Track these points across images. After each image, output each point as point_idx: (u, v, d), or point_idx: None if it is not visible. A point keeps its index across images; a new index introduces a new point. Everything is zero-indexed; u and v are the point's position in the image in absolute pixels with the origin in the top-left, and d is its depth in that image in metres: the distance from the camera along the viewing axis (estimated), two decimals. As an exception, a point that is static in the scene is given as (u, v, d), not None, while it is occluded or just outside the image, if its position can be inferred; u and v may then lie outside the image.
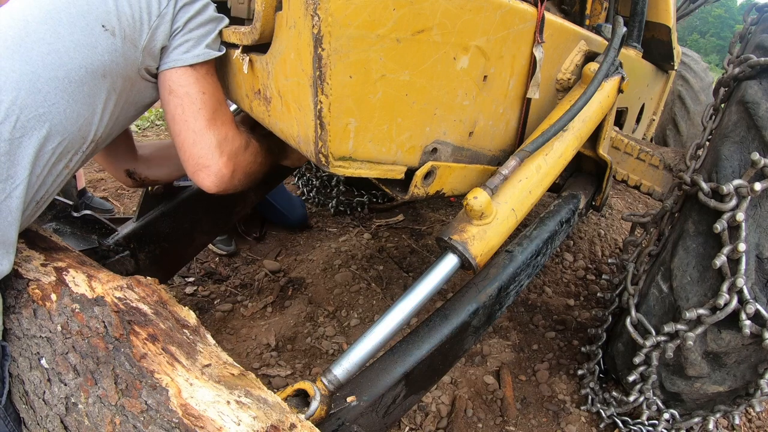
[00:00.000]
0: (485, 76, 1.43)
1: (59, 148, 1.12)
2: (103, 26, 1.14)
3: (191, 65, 1.29)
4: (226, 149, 1.35)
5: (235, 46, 1.39)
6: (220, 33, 1.37)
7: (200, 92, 1.29)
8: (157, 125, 5.50)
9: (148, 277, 1.17)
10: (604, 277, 2.34)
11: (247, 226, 3.46)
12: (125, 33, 1.17)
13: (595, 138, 1.82)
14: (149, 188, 2.03)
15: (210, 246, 3.20)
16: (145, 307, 1.07)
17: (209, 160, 1.33)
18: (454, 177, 1.53)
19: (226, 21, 1.39)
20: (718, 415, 1.90)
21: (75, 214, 1.88)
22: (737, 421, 1.86)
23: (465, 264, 1.30)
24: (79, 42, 1.11)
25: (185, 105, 1.29)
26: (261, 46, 1.27)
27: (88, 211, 1.91)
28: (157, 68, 1.29)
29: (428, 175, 1.43)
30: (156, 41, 1.22)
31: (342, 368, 1.11)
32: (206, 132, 1.30)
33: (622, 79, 1.72)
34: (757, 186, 1.48)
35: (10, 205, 1.07)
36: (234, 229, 3.35)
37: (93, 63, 1.13)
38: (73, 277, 1.12)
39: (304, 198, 4.01)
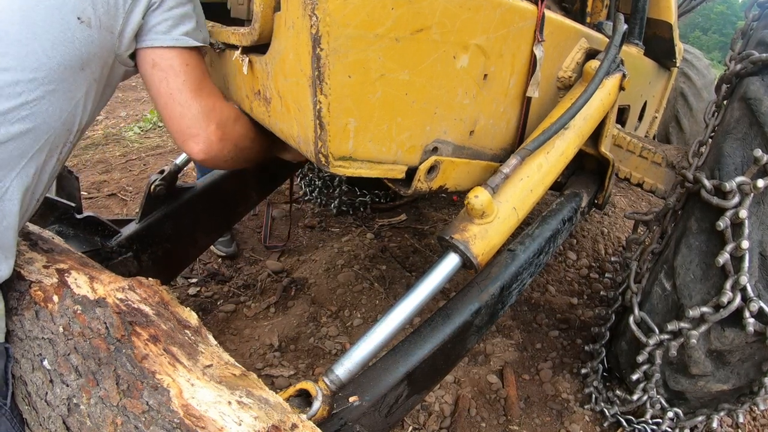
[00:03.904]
0: (485, 75, 1.43)
1: (47, 146, 1.12)
2: (78, 18, 1.11)
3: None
4: (214, 118, 1.34)
5: (234, 47, 1.39)
6: (202, 23, 1.36)
7: (184, 64, 1.28)
8: (159, 127, 5.51)
9: (150, 278, 1.18)
10: (607, 275, 2.34)
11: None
12: (101, 21, 1.14)
13: (596, 136, 1.82)
14: (151, 189, 2.03)
15: (211, 247, 3.20)
16: (146, 308, 1.07)
17: (197, 129, 1.33)
18: (458, 172, 1.53)
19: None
20: (721, 414, 1.89)
21: (78, 216, 1.88)
22: (741, 420, 1.86)
23: (466, 263, 1.30)
24: (56, 39, 1.08)
25: (170, 78, 1.28)
26: (260, 47, 1.27)
27: (90, 213, 1.92)
28: (135, 47, 1.27)
29: (431, 169, 1.43)
30: (131, 24, 1.20)
31: (344, 368, 1.11)
32: (192, 103, 1.30)
33: (624, 76, 1.72)
34: (760, 183, 1.47)
35: (4, 208, 1.06)
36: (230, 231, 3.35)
37: (71, 58, 1.11)
38: (75, 279, 1.12)
39: (306, 198, 4.01)
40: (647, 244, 2.05)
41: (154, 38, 1.25)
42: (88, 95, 1.19)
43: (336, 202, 3.83)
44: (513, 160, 1.37)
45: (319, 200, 3.95)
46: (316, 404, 1.02)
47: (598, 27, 2.01)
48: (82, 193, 3.71)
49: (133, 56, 1.28)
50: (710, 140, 1.84)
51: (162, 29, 1.24)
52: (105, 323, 1.00)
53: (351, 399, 1.15)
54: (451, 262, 1.29)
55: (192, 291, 2.87)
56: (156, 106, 1.34)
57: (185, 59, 1.28)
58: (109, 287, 1.09)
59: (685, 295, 1.72)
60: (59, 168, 1.21)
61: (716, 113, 1.85)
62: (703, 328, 1.65)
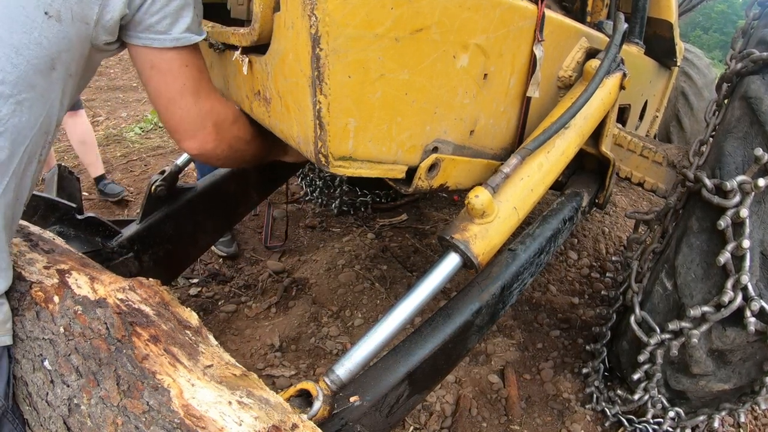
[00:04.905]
0: (485, 75, 1.43)
1: (25, 156, 1.05)
2: (46, 13, 1.00)
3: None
4: (211, 119, 1.34)
5: (234, 47, 1.39)
6: (199, 7, 1.29)
7: (183, 65, 1.25)
8: (160, 127, 5.51)
9: (150, 279, 1.18)
10: (608, 275, 2.34)
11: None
12: (73, 12, 1.03)
13: (597, 135, 1.81)
14: (152, 190, 2.03)
15: (212, 247, 3.20)
16: (147, 309, 1.07)
17: (194, 132, 1.33)
18: (459, 170, 1.53)
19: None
20: (723, 413, 1.89)
21: (79, 217, 1.89)
22: (743, 419, 1.86)
23: (467, 263, 1.30)
24: (21, 43, 0.98)
25: (169, 81, 1.25)
26: (260, 47, 1.27)
27: (91, 214, 1.93)
28: (120, 37, 1.18)
29: (432, 167, 1.43)
30: (109, 11, 1.09)
31: (344, 368, 1.11)
32: (192, 107, 1.29)
33: (624, 75, 1.71)
34: (761, 182, 1.47)
35: None
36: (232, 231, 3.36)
37: (40, 62, 1.02)
38: (76, 279, 1.12)
39: (307, 198, 4.01)
40: (648, 243, 2.05)
41: (153, 38, 1.18)
42: (64, 93, 1.11)
43: (337, 202, 3.83)
44: (513, 160, 1.37)
45: (319, 200, 3.95)
46: (317, 404, 1.02)
47: (598, 26, 2.01)
48: (83, 193, 3.72)
49: (113, 42, 1.18)
50: (711, 139, 1.84)
51: (161, 28, 1.17)
52: (105, 324, 1.00)
53: (352, 399, 1.15)
54: (451, 262, 1.29)
55: (193, 291, 2.88)
56: (153, 104, 1.32)
57: (184, 60, 1.25)
58: (110, 288, 1.10)
59: (686, 295, 1.72)
60: (41, 169, 1.16)
61: (717, 112, 1.85)
62: (704, 327, 1.65)
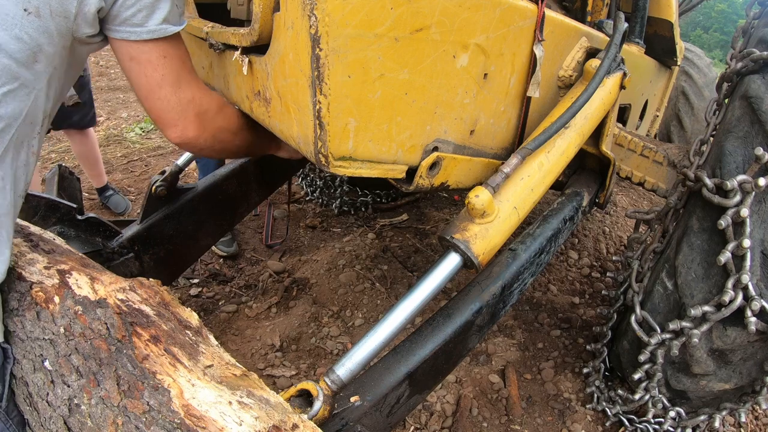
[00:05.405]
0: (485, 74, 1.43)
1: (11, 145, 1.07)
2: (25, 10, 1.02)
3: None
4: (193, 109, 1.34)
5: (234, 47, 1.39)
6: (180, 6, 1.29)
7: (162, 57, 1.25)
8: (160, 128, 5.53)
9: (151, 279, 1.18)
10: (608, 274, 2.34)
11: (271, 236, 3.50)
12: (51, 7, 1.05)
13: (597, 135, 1.81)
14: (152, 190, 2.04)
15: (212, 247, 3.20)
16: (147, 309, 1.07)
17: (176, 120, 1.33)
18: (459, 169, 1.53)
19: None
20: (724, 413, 1.88)
21: (79, 217, 1.89)
22: (743, 419, 1.85)
23: (467, 263, 1.30)
24: (2, 39, 1.00)
25: (148, 73, 1.25)
26: (260, 47, 1.28)
27: (92, 214, 1.93)
28: (101, 31, 1.19)
29: (433, 166, 1.43)
30: (87, 6, 1.10)
31: (345, 368, 1.11)
32: (172, 96, 1.29)
33: (625, 75, 1.71)
34: (762, 181, 1.47)
35: None
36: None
37: (22, 56, 1.03)
38: (76, 280, 1.12)
39: (308, 198, 4.02)
40: (649, 243, 2.05)
41: (130, 31, 1.18)
42: (49, 84, 1.12)
43: (337, 202, 3.83)
44: (514, 160, 1.37)
45: (320, 200, 3.95)
46: (317, 404, 1.02)
47: (598, 26, 2.00)
48: (83, 194, 3.72)
49: (95, 36, 1.19)
50: (711, 139, 1.84)
51: (137, 21, 1.17)
52: (106, 324, 1.00)
53: (352, 399, 1.15)
54: (452, 262, 1.29)
55: (194, 291, 2.88)
56: (136, 95, 1.33)
57: (163, 51, 1.24)
58: (110, 288, 1.10)
59: (687, 294, 1.72)
60: (35, 159, 1.17)
61: (717, 112, 1.85)
62: (705, 327, 1.65)
